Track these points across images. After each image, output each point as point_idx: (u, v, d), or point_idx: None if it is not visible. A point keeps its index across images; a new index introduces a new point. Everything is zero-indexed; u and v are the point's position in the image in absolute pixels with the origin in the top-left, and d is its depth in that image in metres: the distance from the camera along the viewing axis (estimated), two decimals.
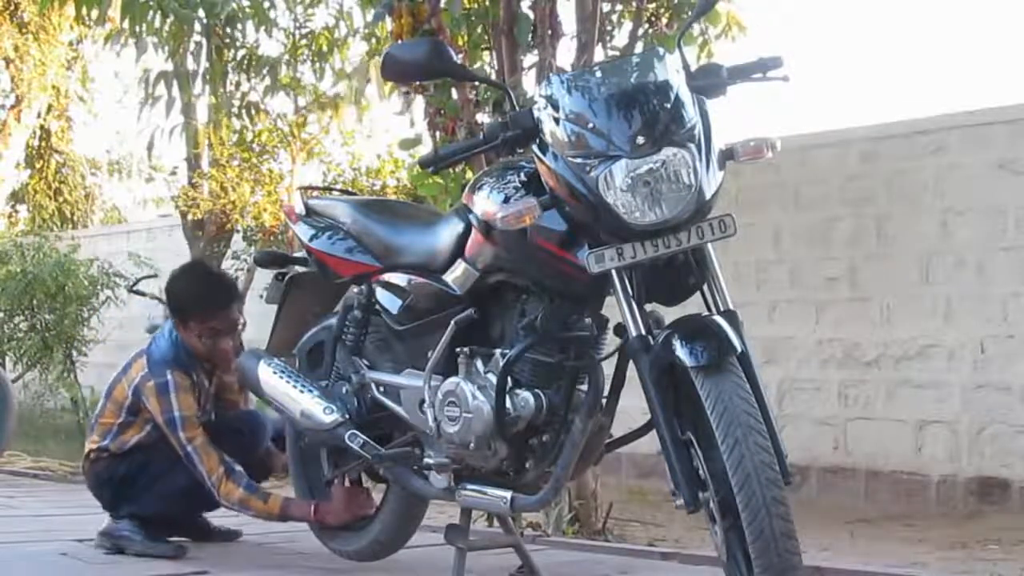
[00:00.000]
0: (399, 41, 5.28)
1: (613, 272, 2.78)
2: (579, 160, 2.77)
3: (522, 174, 3.01)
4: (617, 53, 5.93)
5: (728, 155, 2.86)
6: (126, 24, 8.13)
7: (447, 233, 3.30)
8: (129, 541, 4.14)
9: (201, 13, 8.68)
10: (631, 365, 2.87)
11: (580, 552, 4.45)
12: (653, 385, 2.71)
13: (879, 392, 6.92)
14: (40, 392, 10.90)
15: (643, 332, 2.78)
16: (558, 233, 2.87)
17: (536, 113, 2.90)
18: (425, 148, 6.02)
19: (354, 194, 4.84)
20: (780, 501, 2.53)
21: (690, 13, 4.81)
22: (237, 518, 4.32)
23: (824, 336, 7.17)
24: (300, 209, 3.95)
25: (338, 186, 8.85)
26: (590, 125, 2.78)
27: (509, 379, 3.02)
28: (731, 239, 2.84)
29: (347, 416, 3.56)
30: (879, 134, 7.14)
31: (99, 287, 9.92)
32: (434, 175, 5.27)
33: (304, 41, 9.72)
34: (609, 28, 6.04)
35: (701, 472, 2.67)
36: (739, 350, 2.66)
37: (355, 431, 3.51)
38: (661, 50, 2.98)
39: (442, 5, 5.48)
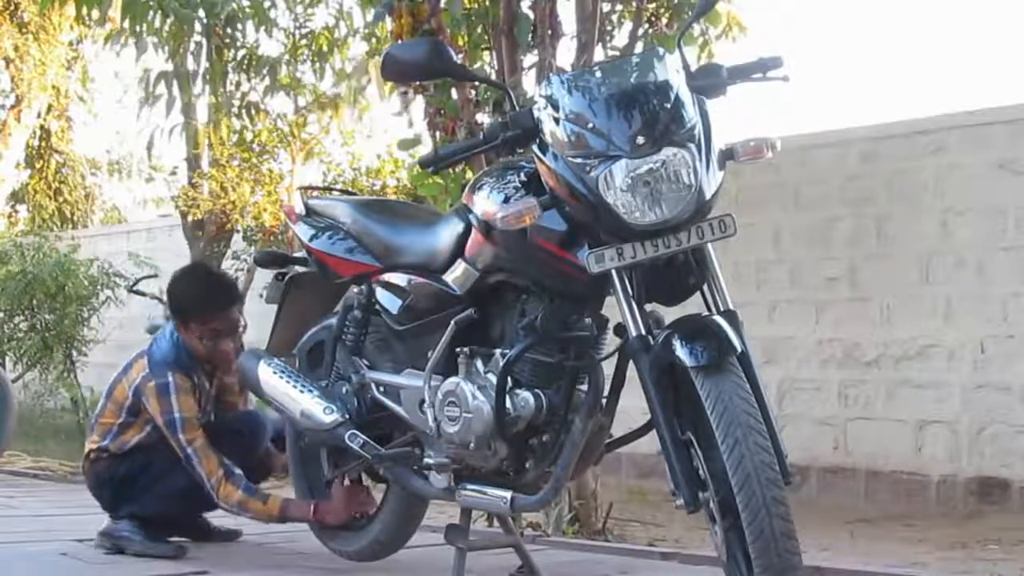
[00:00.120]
0: (399, 41, 5.29)
1: (613, 272, 2.78)
2: (579, 160, 2.77)
3: (522, 174, 3.01)
4: (617, 53, 5.93)
5: (728, 155, 2.86)
6: (126, 24, 8.13)
7: (447, 233, 3.30)
8: (129, 541, 4.14)
9: (201, 13, 8.69)
10: (631, 365, 2.87)
11: (580, 552, 4.45)
12: (653, 385, 2.71)
13: (879, 392, 6.92)
14: (40, 392, 10.90)
15: (643, 332, 2.78)
16: (558, 233, 2.87)
17: (536, 113, 2.90)
18: (425, 148, 6.02)
19: (354, 194, 4.83)
20: (780, 501, 2.53)
21: (690, 13, 4.81)
22: (237, 518, 4.32)
23: (824, 336, 7.17)
24: (300, 209, 3.95)
25: (338, 186, 8.85)
26: (590, 125, 2.78)
27: (509, 379, 3.02)
28: (731, 239, 2.84)
29: (347, 416, 3.56)
30: (879, 134, 7.14)
31: (99, 287, 9.92)
32: (434, 175, 5.27)
33: (304, 41, 9.73)
34: (609, 28, 6.04)
35: (701, 472, 2.67)
36: (739, 350, 2.66)
37: (355, 431, 3.50)
38: (661, 50, 2.98)
39: (442, 5, 5.48)
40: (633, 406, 2.96)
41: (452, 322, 3.19)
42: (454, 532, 3.41)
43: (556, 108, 2.84)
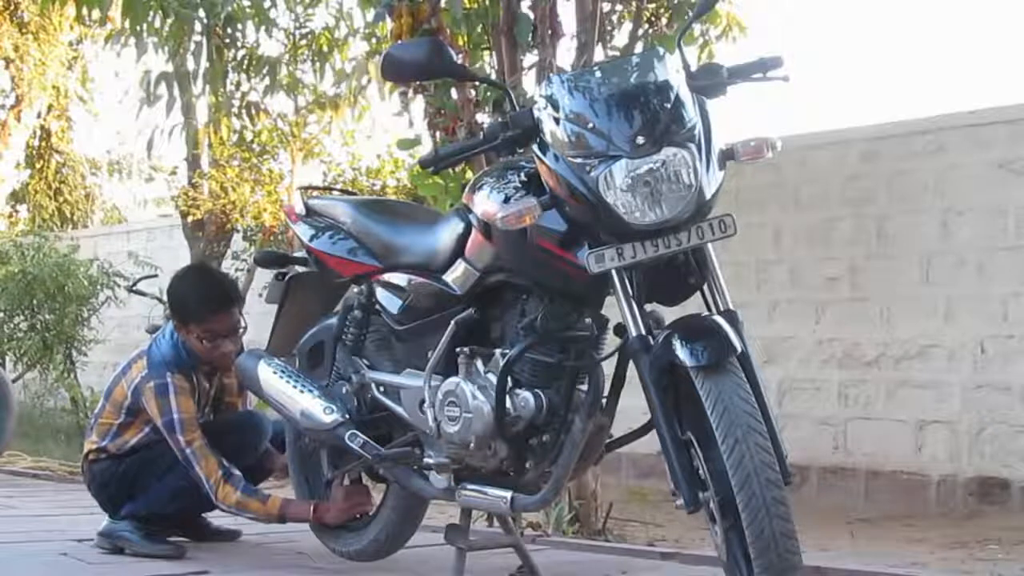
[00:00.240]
0: (399, 41, 5.28)
1: (613, 272, 2.78)
2: (579, 160, 2.78)
3: (522, 174, 3.02)
4: (617, 53, 5.94)
5: (728, 155, 2.86)
6: (126, 24, 8.13)
7: (447, 233, 3.30)
8: (128, 541, 4.14)
9: (201, 13, 8.69)
10: (631, 365, 2.88)
11: (580, 552, 4.45)
12: (653, 385, 2.71)
13: (879, 392, 6.92)
14: (40, 392, 10.89)
15: (643, 332, 2.78)
16: (558, 233, 2.87)
17: (536, 113, 2.90)
18: (425, 148, 6.01)
19: (354, 194, 4.83)
20: (780, 501, 2.53)
21: (690, 13, 4.81)
22: (237, 518, 4.32)
23: (824, 336, 7.16)
24: (300, 209, 3.95)
25: (338, 186, 8.84)
26: (590, 125, 2.78)
27: (509, 379, 3.02)
28: (731, 239, 2.84)
29: (347, 416, 3.56)
30: (879, 134, 7.13)
31: (99, 287, 9.91)
32: (434, 175, 5.27)
33: (304, 41, 9.72)
34: (609, 28, 6.05)
35: (701, 472, 2.67)
36: (739, 350, 2.66)
37: (355, 431, 3.51)
38: (661, 50, 2.99)
39: (442, 5, 5.48)
40: (633, 406, 2.96)
41: (452, 322, 3.19)
42: (454, 532, 3.41)
43: (556, 108, 2.85)
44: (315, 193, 4.14)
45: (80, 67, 15.12)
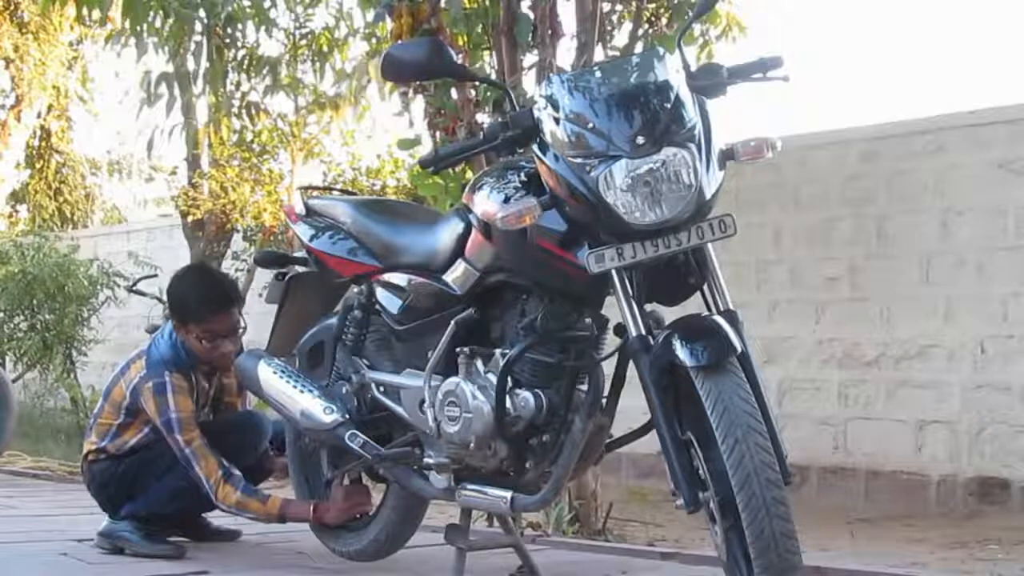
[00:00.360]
0: (399, 41, 5.29)
1: (613, 272, 2.78)
2: (579, 160, 2.77)
3: (522, 174, 3.02)
4: (617, 53, 5.94)
5: (728, 155, 2.86)
6: (127, 24, 8.13)
7: (447, 233, 3.30)
8: (128, 541, 4.14)
9: (201, 13, 8.69)
10: (631, 365, 2.88)
11: (580, 552, 4.45)
12: (653, 385, 2.71)
13: (879, 392, 6.92)
14: (40, 392, 10.89)
15: (643, 332, 2.78)
16: (558, 233, 2.87)
17: (536, 113, 2.90)
18: (425, 148, 6.01)
19: (354, 194, 4.83)
20: (780, 501, 2.53)
21: (690, 13, 4.81)
22: (237, 518, 4.32)
23: (824, 336, 7.16)
24: (300, 209, 3.95)
25: (338, 186, 8.84)
26: (590, 125, 2.78)
27: (509, 379, 3.02)
28: (731, 239, 2.84)
29: (347, 416, 3.56)
30: (879, 134, 7.13)
31: (99, 287, 9.91)
32: (434, 175, 5.27)
33: (304, 41, 9.73)
34: (609, 28, 6.05)
35: (701, 472, 2.67)
36: (739, 350, 2.66)
37: (355, 431, 3.51)
38: (661, 50, 2.99)
39: (442, 5, 5.48)
40: (633, 406, 2.96)
41: (452, 322, 3.19)
42: (454, 532, 3.41)
43: (556, 108, 2.85)
44: (315, 193, 4.13)
45: (80, 67, 15.12)
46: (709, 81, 2.93)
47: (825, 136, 7.43)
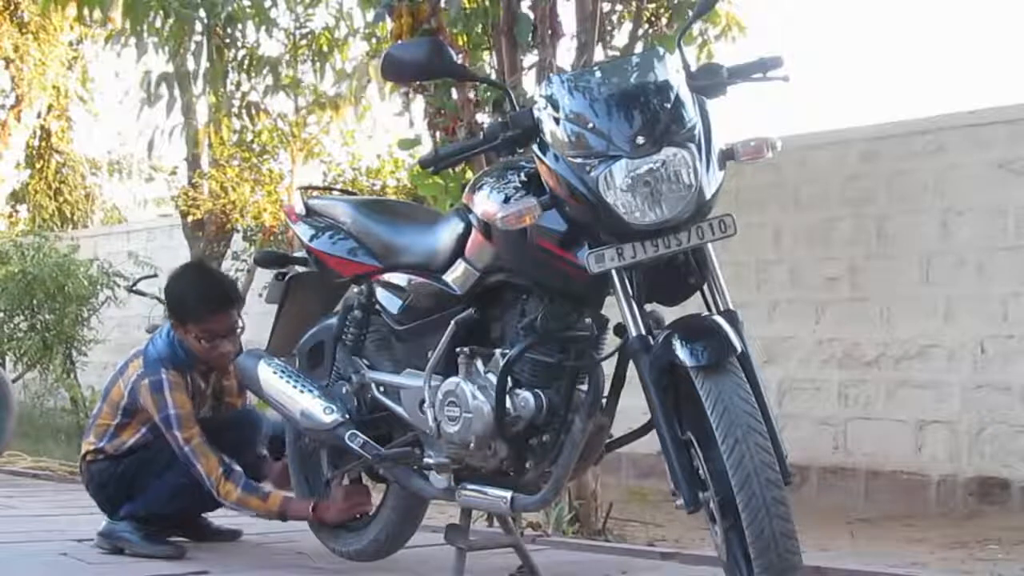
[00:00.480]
0: (399, 41, 5.29)
1: (613, 272, 2.78)
2: (579, 160, 2.77)
3: (522, 174, 3.01)
4: (617, 53, 5.94)
5: (728, 155, 2.86)
6: (127, 24, 8.13)
7: (447, 233, 3.30)
8: (128, 542, 4.13)
9: (202, 13, 8.69)
10: (631, 365, 2.87)
11: (580, 552, 4.45)
12: (653, 385, 2.71)
13: (879, 392, 6.92)
14: (40, 392, 10.89)
15: (643, 332, 2.78)
16: (558, 233, 2.87)
17: (536, 113, 2.90)
18: (425, 148, 6.02)
19: (354, 194, 4.83)
20: (780, 501, 2.53)
21: (690, 13, 4.81)
22: (237, 518, 4.32)
23: (824, 336, 7.16)
24: (300, 209, 3.95)
25: (338, 186, 8.85)
26: (590, 125, 2.78)
27: (509, 379, 3.02)
28: (731, 239, 2.84)
29: (347, 416, 3.56)
30: (879, 134, 7.14)
31: (99, 287, 9.91)
32: (434, 175, 5.27)
33: (304, 41, 9.73)
34: (609, 28, 6.05)
35: (701, 472, 2.67)
36: (739, 350, 2.66)
37: (355, 431, 3.51)
38: (661, 50, 2.99)
39: (442, 5, 5.48)
40: (633, 406, 2.96)
41: (452, 322, 3.19)
42: (454, 532, 3.41)
43: (556, 108, 2.85)
44: (315, 193, 4.13)
45: (80, 67, 15.13)
46: (709, 81, 2.93)
47: (825, 136, 7.43)
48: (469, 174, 5.08)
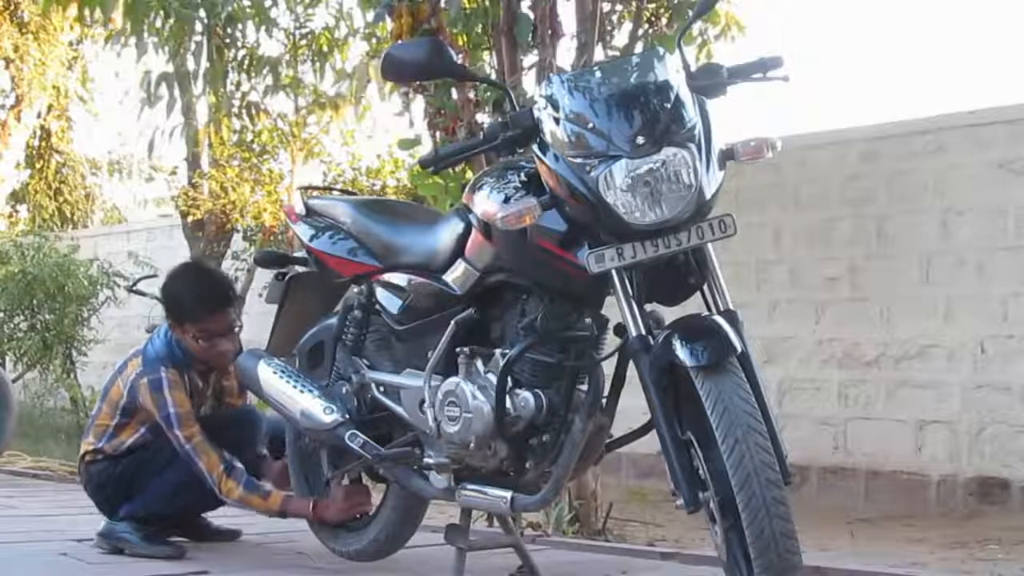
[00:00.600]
0: (399, 41, 5.29)
1: (613, 272, 2.78)
2: (579, 160, 2.77)
3: (522, 174, 3.01)
4: (617, 53, 5.94)
5: (728, 155, 2.86)
6: (127, 24, 8.13)
7: (447, 233, 3.30)
8: (127, 542, 4.13)
9: (202, 13, 8.69)
10: (631, 365, 2.87)
11: (580, 552, 4.45)
12: (653, 385, 2.71)
13: (879, 392, 6.92)
14: (40, 392, 10.89)
15: (643, 332, 2.78)
16: (558, 233, 2.87)
17: (536, 113, 2.90)
18: (425, 148, 6.02)
19: (354, 194, 4.83)
20: (780, 501, 2.53)
21: (690, 13, 4.81)
22: (237, 518, 4.32)
23: (824, 336, 7.16)
24: (300, 209, 3.95)
25: (338, 186, 8.85)
26: (590, 125, 2.78)
27: (509, 379, 3.02)
28: (731, 239, 2.84)
29: (347, 416, 3.56)
30: (879, 134, 7.14)
31: (99, 287, 9.92)
32: (434, 175, 5.27)
33: (304, 41, 9.73)
34: (609, 28, 6.05)
35: (701, 472, 2.67)
36: (739, 350, 2.66)
37: (355, 431, 3.51)
38: (661, 50, 2.99)
39: (442, 5, 5.48)
40: (633, 406, 2.96)
41: (452, 322, 3.19)
42: (454, 532, 3.41)
43: (556, 108, 2.85)
44: (315, 193, 4.13)
45: (80, 67, 15.12)
46: (709, 81, 2.93)
47: (825, 136, 7.43)
48: (469, 174, 5.08)
